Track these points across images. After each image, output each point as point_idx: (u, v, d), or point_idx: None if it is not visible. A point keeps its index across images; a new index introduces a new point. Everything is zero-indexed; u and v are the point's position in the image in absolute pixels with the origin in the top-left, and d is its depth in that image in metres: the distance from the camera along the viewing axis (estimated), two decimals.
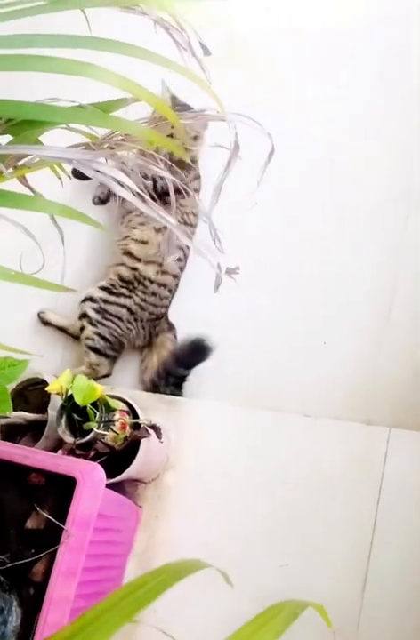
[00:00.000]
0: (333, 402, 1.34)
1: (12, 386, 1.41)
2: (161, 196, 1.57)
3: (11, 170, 0.58)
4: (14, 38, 0.49)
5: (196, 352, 1.42)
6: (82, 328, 1.53)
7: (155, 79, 0.77)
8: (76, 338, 1.60)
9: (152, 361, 1.54)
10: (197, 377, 1.47)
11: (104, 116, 0.57)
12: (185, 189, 1.59)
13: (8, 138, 0.57)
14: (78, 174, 1.61)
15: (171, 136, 1.36)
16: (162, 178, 1.53)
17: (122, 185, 0.57)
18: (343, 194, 1.57)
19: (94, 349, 1.51)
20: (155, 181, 1.55)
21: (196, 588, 1.29)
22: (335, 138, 1.61)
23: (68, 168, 0.69)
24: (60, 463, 1.08)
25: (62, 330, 1.65)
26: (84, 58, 0.58)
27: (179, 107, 1.56)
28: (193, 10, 0.53)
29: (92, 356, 1.51)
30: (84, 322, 1.52)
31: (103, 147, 0.63)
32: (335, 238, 1.54)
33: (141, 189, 0.56)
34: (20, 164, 0.60)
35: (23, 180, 0.64)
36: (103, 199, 1.61)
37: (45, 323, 1.67)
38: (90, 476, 1.06)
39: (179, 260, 1.58)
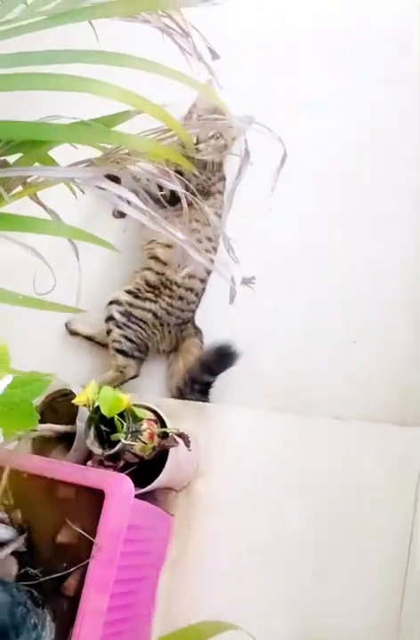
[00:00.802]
0: (364, 403, 1.30)
1: (40, 398, 1.42)
2: (178, 201, 1.57)
3: (20, 187, 0.58)
4: (13, 57, 0.48)
5: (221, 359, 1.40)
6: (108, 331, 1.53)
7: (166, 88, 0.75)
8: (104, 346, 1.60)
9: (178, 366, 1.53)
10: (224, 382, 1.45)
11: (106, 132, 0.55)
12: (208, 191, 1.60)
13: (14, 157, 0.57)
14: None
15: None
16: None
17: (128, 201, 0.55)
18: (364, 189, 1.53)
19: (121, 351, 1.51)
20: (173, 190, 1.54)
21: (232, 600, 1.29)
22: (342, 132, 1.59)
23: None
24: (89, 476, 1.08)
25: (90, 339, 1.66)
26: (91, 71, 0.56)
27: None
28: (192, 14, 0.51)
29: (120, 359, 1.51)
30: (111, 324, 1.52)
31: (108, 162, 0.61)
32: (361, 233, 1.50)
33: (150, 200, 0.54)
34: (29, 181, 0.59)
35: (35, 198, 0.63)
36: (123, 212, 1.61)
37: (73, 333, 1.68)
38: (118, 487, 1.06)
39: None
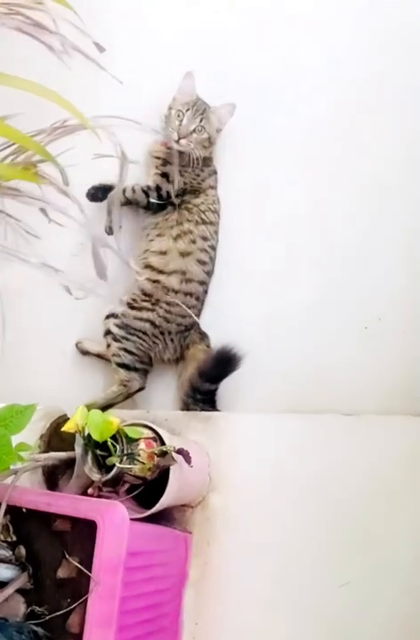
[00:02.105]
0: (376, 396, 1.19)
1: (45, 425, 1.39)
2: (169, 198, 1.50)
3: None
4: None
5: (221, 364, 1.32)
6: (108, 345, 1.49)
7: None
8: None
9: (186, 375, 1.46)
10: (232, 387, 1.37)
11: None
12: (198, 188, 1.52)
13: None
14: (93, 196, 1.59)
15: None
16: (152, 190, 1.48)
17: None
18: (369, 172, 1.43)
19: (122, 365, 1.46)
20: (159, 189, 1.48)
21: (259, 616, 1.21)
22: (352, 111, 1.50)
23: None
24: (80, 507, 1.02)
25: (100, 356, 1.61)
26: None
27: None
28: None
29: (122, 372, 1.46)
30: (109, 339, 1.48)
31: None
32: (368, 224, 1.39)
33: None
34: None
35: None
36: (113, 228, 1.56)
37: (84, 352, 1.65)
38: (110, 517, 1.00)
39: (204, 263, 1.49)
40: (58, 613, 1.03)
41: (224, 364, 1.32)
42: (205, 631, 1.25)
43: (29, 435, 1.25)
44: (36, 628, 1.04)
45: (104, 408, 1.47)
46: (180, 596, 1.28)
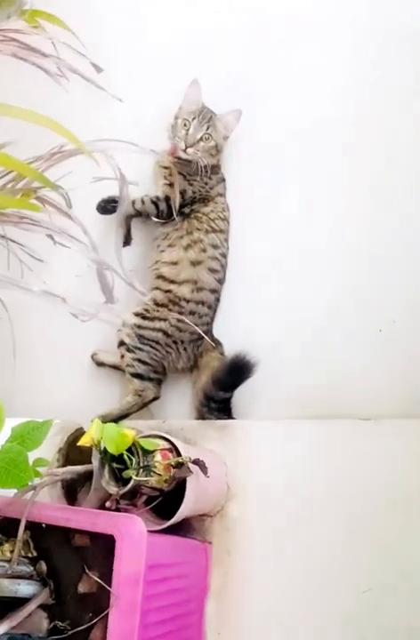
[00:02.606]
0: (392, 399, 1.17)
1: (62, 438, 1.40)
2: (170, 214, 1.51)
3: None
4: None
5: (234, 372, 1.31)
6: (122, 356, 1.49)
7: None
8: None
9: (200, 384, 1.45)
10: (248, 394, 1.36)
11: None
12: (207, 196, 1.52)
13: None
14: (104, 209, 1.60)
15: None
16: (161, 200, 1.49)
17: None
18: (381, 173, 1.42)
19: (136, 375, 1.47)
20: (167, 199, 1.48)
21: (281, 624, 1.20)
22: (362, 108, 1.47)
23: None
24: (98, 522, 1.02)
25: (115, 367, 1.62)
26: None
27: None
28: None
29: (136, 383, 1.47)
30: (122, 349, 1.48)
31: None
32: (380, 226, 1.39)
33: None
34: None
35: None
36: (124, 241, 1.56)
37: (99, 364, 1.65)
38: (128, 531, 0.99)
39: (215, 271, 1.49)
40: (80, 628, 1.03)
41: (238, 371, 1.31)
42: None
43: (47, 449, 1.25)
44: None
45: (119, 418, 1.47)
46: (202, 607, 1.27)
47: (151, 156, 0.73)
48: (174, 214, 1.45)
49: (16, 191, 0.65)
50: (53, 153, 0.80)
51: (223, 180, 1.56)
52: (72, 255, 0.74)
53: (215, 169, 1.53)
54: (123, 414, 1.48)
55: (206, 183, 1.51)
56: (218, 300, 1.50)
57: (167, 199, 1.51)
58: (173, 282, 1.46)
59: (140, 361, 1.45)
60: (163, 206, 1.50)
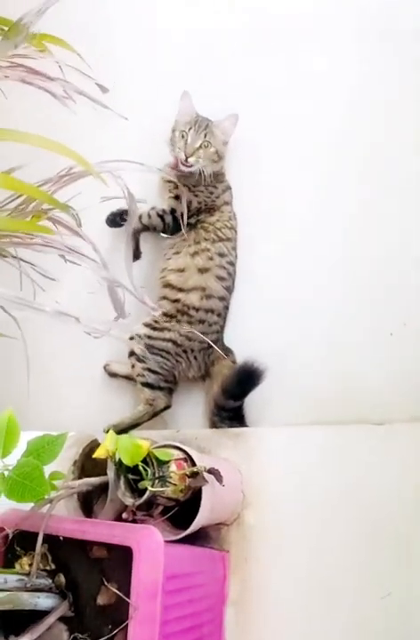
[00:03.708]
0: (404, 403, 1.16)
1: (77, 451, 1.40)
2: (177, 228, 1.52)
3: None
4: None
5: (242, 381, 1.31)
6: (132, 366, 1.50)
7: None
8: None
9: (213, 393, 1.46)
10: (258, 402, 1.36)
11: None
12: (213, 205, 1.53)
13: None
14: (113, 222, 1.61)
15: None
16: (167, 214, 1.50)
17: None
18: (390, 173, 1.41)
19: (147, 385, 1.48)
20: (173, 212, 1.49)
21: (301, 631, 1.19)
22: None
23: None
24: (115, 534, 1.03)
25: (128, 378, 1.63)
26: None
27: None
28: None
29: (147, 392, 1.48)
30: (133, 360, 1.49)
31: None
32: (389, 228, 1.39)
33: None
34: None
35: None
36: (134, 256, 1.58)
37: (112, 374, 1.66)
38: (145, 542, 1.00)
39: (223, 279, 1.49)
40: None
41: (246, 380, 1.31)
42: None
43: (62, 462, 1.26)
44: None
45: (131, 427, 1.48)
46: (220, 616, 1.27)
47: (158, 174, 0.74)
48: (182, 227, 1.46)
49: (27, 213, 0.66)
50: (62, 175, 0.81)
51: (229, 188, 1.57)
52: (83, 272, 0.75)
53: (219, 177, 1.54)
54: (134, 423, 1.49)
55: (212, 193, 1.51)
56: (227, 308, 1.50)
57: (173, 212, 1.52)
58: (181, 290, 1.47)
59: (150, 370, 1.46)
60: (169, 219, 1.51)
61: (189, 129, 1.50)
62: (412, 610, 1.07)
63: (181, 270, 1.47)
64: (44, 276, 1.00)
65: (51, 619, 1.06)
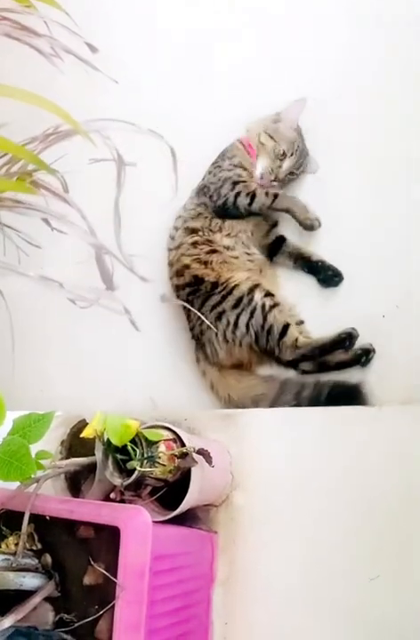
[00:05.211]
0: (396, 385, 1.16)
1: (65, 431, 1.39)
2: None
3: None
4: None
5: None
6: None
7: None
8: None
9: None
10: None
11: None
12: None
13: None
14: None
15: None
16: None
17: None
18: None
19: None
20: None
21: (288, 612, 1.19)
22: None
23: None
24: (103, 514, 1.02)
25: None
26: None
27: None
28: None
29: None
30: None
31: None
32: None
33: None
34: None
35: None
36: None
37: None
38: (133, 522, 0.99)
39: None
40: (86, 620, 1.02)
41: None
42: (235, 630, 1.23)
43: (49, 442, 1.25)
44: (65, 636, 1.04)
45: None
46: (208, 597, 1.27)
47: (150, 137, 0.71)
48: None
49: (11, 175, 0.63)
50: (48, 134, 0.78)
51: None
52: (70, 242, 0.72)
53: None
54: None
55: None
56: None
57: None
58: None
59: None
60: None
61: (291, 154, 1.48)
62: (401, 592, 1.07)
63: None
64: (28, 242, 0.96)
65: (36, 599, 1.05)
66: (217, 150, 1.56)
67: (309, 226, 1.45)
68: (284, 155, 1.47)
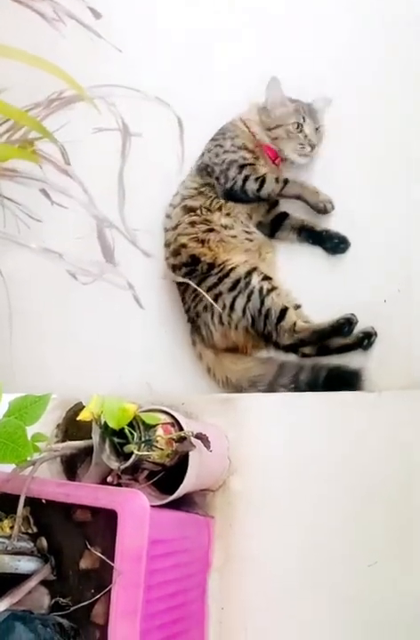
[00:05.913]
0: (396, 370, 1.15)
1: (61, 414, 1.38)
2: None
3: None
4: None
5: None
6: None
7: None
8: None
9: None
10: None
11: None
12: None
13: None
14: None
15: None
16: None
17: None
18: None
19: None
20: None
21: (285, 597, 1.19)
22: None
23: None
24: (100, 497, 1.00)
25: None
26: None
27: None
28: None
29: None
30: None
31: None
32: None
33: None
34: None
35: None
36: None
37: None
38: (130, 506, 0.98)
39: None
40: (82, 604, 1.01)
41: None
42: (231, 615, 1.23)
43: (45, 425, 1.23)
44: (60, 620, 1.03)
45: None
46: (204, 582, 1.26)
47: (155, 104, 0.69)
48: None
49: (13, 142, 0.61)
50: (52, 99, 0.75)
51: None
52: (72, 217, 0.70)
53: None
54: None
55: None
56: None
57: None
58: None
59: None
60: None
61: (303, 119, 1.45)
62: (399, 578, 1.06)
63: None
64: (29, 216, 0.93)
65: (32, 582, 1.04)
66: None
67: (322, 209, 1.43)
68: (299, 126, 1.45)
